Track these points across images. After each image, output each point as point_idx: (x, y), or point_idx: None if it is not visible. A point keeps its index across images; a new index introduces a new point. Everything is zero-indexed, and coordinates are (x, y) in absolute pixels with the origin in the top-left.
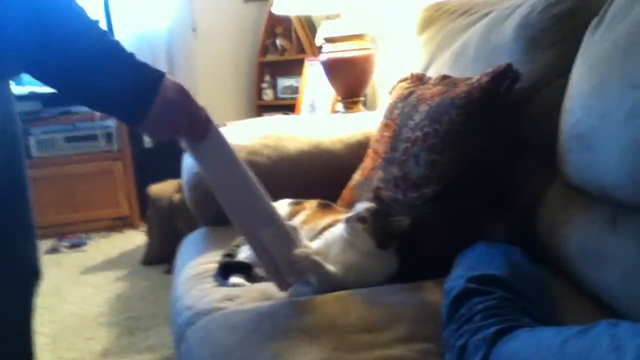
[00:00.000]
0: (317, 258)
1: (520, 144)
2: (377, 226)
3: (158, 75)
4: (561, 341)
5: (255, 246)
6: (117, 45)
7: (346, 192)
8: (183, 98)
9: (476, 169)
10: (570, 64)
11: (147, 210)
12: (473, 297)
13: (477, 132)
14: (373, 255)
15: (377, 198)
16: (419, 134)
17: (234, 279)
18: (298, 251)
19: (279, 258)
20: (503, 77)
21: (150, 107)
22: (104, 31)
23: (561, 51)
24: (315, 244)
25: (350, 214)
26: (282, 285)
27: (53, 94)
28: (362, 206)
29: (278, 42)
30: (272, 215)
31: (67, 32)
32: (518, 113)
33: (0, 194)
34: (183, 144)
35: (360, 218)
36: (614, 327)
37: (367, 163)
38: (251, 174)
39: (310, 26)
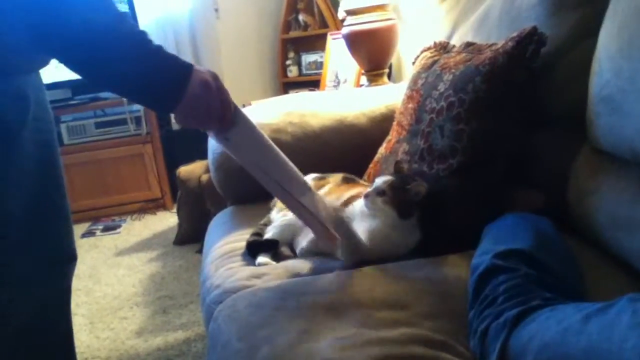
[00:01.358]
0: (351, 225)
1: (547, 111)
2: (397, 197)
3: (186, 69)
4: (581, 319)
5: (300, 213)
6: (145, 39)
7: (372, 167)
8: (210, 91)
9: (503, 138)
10: (598, 25)
11: (177, 192)
12: (498, 275)
13: (503, 100)
14: (396, 226)
15: (397, 171)
16: (443, 103)
17: (261, 259)
18: (336, 215)
19: (324, 216)
20: (528, 41)
21: (179, 102)
22: (132, 24)
23: (588, 12)
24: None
25: (369, 189)
26: (331, 241)
27: (82, 81)
28: (380, 180)
29: (300, 17)
30: (306, 183)
31: (95, 26)
32: (544, 78)
33: (36, 181)
34: (211, 134)
35: (379, 192)
36: (635, 302)
37: (392, 136)
38: (282, 155)
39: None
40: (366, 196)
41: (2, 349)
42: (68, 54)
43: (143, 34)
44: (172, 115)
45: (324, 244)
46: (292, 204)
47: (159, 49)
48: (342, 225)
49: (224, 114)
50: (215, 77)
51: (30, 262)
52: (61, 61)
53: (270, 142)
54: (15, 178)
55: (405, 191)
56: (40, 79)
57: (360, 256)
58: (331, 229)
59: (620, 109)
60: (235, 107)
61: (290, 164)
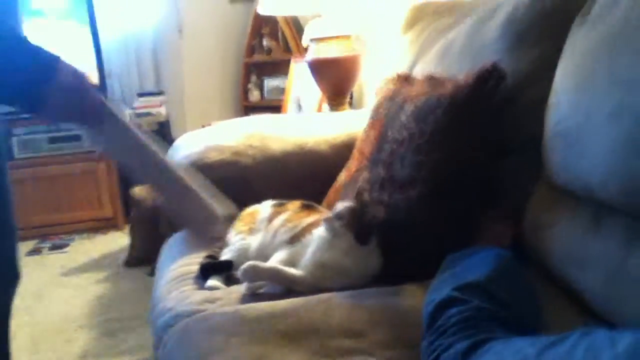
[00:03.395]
0: (277, 266)
1: (506, 144)
2: (355, 221)
3: (53, 59)
4: (536, 353)
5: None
6: (9, 31)
7: (331, 193)
8: (79, 81)
9: (462, 170)
10: (556, 61)
11: (130, 212)
12: (451, 307)
13: (463, 133)
14: (354, 252)
15: (357, 197)
16: (405, 134)
17: (211, 282)
18: (249, 265)
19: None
20: (488, 76)
21: (46, 92)
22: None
23: (547, 48)
24: (280, 254)
25: (329, 214)
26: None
27: None
28: (340, 205)
29: (265, 42)
30: (187, 185)
31: None
32: (504, 112)
33: None
34: (82, 130)
35: (339, 216)
36: (588, 336)
37: (353, 164)
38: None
39: (297, 26)
40: (326, 220)
41: None
42: None
43: (7, 27)
44: (42, 114)
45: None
46: (162, 192)
47: (25, 39)
48: (270, 274)
49: (87, 112)
50: (77, 76)
51: None
52: None
53: (143, 138)
54: None
55: (363, 215)
56: None
57: (302, 287)
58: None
59: (575, 144)
60: (104, 104)
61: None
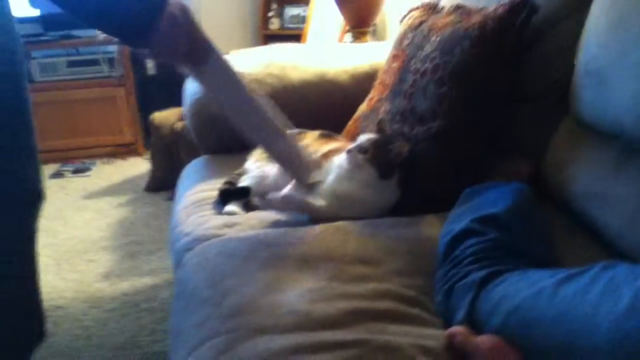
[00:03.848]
0: (299, 197)
1: (532, 81)
2: (379, 156)
3: (159, 1)
4: (554, 283)
5: (272, 154)
6: None
7: (351, 124)
8: (187, 19)
9: (486, 105)
10: None
11: (150, 138)
12: (469, 238)
13: (490, 66)
14: (374, 186)
15: (380, 130)
16: (428, 65)
17: (229, 207)
18: (275, 195)
19: (295, 160)
20: (520, 8)
21: (154, 26)
22: None
23: None
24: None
25: (352, 145)
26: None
27: (55, 16)
28: (364, 137)
29: None
30: (280, 128)
31: None
32: (532, 48)
33: (1, 115)
34: (184, 68)
35: (361, 149)
36: (610, 269)
37: (374, 94)
38: (257, 96)
39: None
40: (348, 151)
41: None
42: None
43: None
44: (147, 48)
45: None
46: (265, 145)
47: None
48: (294, 204)
49: (194, 49)
50: (186, 11)
51: None
52: None
53: (244, 83)
54: None
55: (388, 151)
56: (7, 6)
57: (324, 217)
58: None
59: (605, 82)
60: (209, 44)
61: (266, 107)
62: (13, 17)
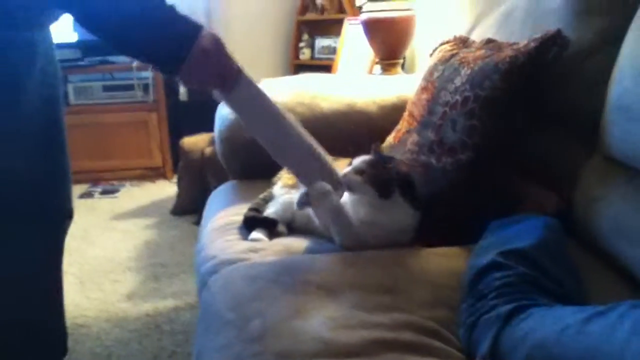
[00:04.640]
0: (345, 213)
1: (562, 114)
2: (375, 175)
3: (196, 27)
4: (581, 319)
5: (302, 178)
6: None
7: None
8: (218, 49)
9: (515, 138)
10: (621, 33)
11: (178, 162)
12: (495, 271)
13: (520, 100)
14: (379, 206)
15: (375, 152)
16: (458, 98)
17: (255, 234)
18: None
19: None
20: (551, 43)
21: (186, 57)
22: None
23: (613, 19)
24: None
25: (347, 169)
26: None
27: (93, 42)
28: (358, 160)
29: (318, 0)
30: (315, 152)
31: None
32: (563, 82)
33: (39, 136)
34: (215, 93)
35: (357, 171)
36: (637, 309)
37: (402, 126)
38: (290, 119)
39: None
40: (345, 176)
41: None
42: (85, 11)
43: None
44: (178, 76)
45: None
46: (295, 169)
47: (172, 7)
48: (332, 209)
49: (223, 76)
50: (218, 42)
51: (26, 217)
52: (74, 17)
53: (276, 108)
54: (18, 132)
55: (385, 169)
56: (50, 34)
57: (355, 240)
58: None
59: (637, 118)
60: (239, 67)
61: (298, 130)
62: (54, 44)
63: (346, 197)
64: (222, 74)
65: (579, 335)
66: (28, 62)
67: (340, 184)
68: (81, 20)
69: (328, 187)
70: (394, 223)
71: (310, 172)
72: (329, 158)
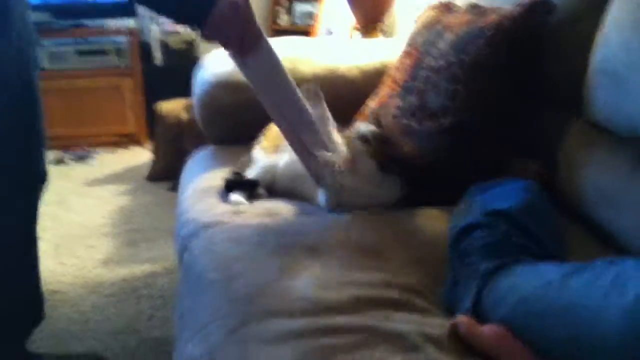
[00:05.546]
0: (337, 168)
1: (546, 81)
2: (380, 150)
3: None
4: (563, 275)
5: (298, 149)
6: None
7: (358, 118)
8: (243, 9)
9: (498, 104)
10: None
11: (154, 128)
12: (477, 231)
13: (504, 65)
14: (376, 179)
15: (377, 123)
16: (442, 62)
17: (234, 197)
18: (322, 155)
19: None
20: (537, 8)
21: (213, 9)
22: None
23: None
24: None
25: (349, 132)
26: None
27: (65, 5)
28: (364, 127)
29: None
30: (314, 124)
31: None
32: (547, 48)
33: (13, 99)
34: (230, 54)
35: (362, 137)
36: (618, 264)
37: (384, 90)
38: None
39: None
40: (346, 137)
41: None
42: None
43: None
44: (203, 29)
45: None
46: (291, 138)
47: None
48: (328, 171)
49: (246, 36)
50: (244, 1)
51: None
52: None
53: (288, 77)
54: None
55: (391, 147)
56: None
57: (340, 202)
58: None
59: (623, 83)
60: (260, 34)
61: (303, 103)
62: (29, 7)
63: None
64: (242, 35)
65: (561, 291)
66: (3, 26)
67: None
68: None
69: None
70: (383, 196)
71: (310, 144)
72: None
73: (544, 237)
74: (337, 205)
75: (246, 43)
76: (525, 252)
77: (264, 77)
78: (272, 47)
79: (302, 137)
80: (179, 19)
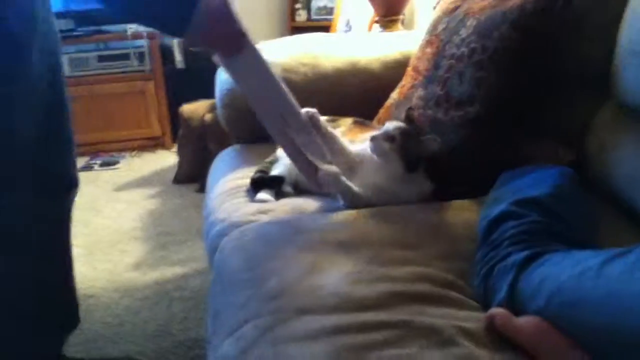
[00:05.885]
0: (343, 178)
1: (572, 64)
2: (406, 147)
3: None
4: (599, 263)
5: (289, 149)
6: None
7: (383, 111)
8: (225, 9)
9: (526, 89)
10: None
11: (178, 131)
12: (508, 220)
13: (530, 50)
14: (401, 178)
15: (408, 118)
16: (464, 50)
17: (261, 195)
18: (325, 169)
19: (310, 159)
20: None
21: (192, 16)
22: None
23: None
24: (354, 148)
25: (377, 132)
26: (313, 183)
27: (86, 12)
28: (391, 125)
29: None
30: (306, 125)
31: None
32: (572, 31)
33: (44, 103)
34: (216, 57)
35: (388, 137)
36: None
37: (406, 81)
38: (286, 89)
39: None
40: (373, 139)
41: (3, 272)
42: None
43: None
44: (184, 36)
45: (312, 184)
46: (282, 139)
47: None
48: (335, 183)
49: (230, 39)
50: (226, 2)
51: (33, 183)
52: None
53: (276, 76)
54: (24, 99)
55: (417, 143)
56: (50, 5)
57: (361, 205)
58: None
59: None
60: (245, 35)
61: (294, 103)
62: (52, 12)
63: (366, 156)
64: (229, 36)
65: (598, 279)
66: (29, 29)
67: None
68: None
69: (335, 169)
70: (409, 195)
71: (303, 146)
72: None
73: (577, 224)
74: (357, 205)
75: (232, 40)
76: (559, 240)
77: (251, 77)
78: (258, 46)
79: (294, 138)
80: (164, 28)
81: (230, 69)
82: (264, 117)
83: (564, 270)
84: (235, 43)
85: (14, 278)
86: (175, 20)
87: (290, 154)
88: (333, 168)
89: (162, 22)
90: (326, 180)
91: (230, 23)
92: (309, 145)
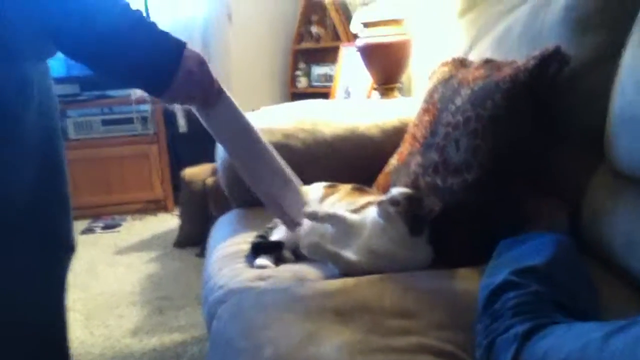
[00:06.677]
0: (330, 247)
1: (566, 129)
2: (410, 211)
3: (179, 46)
4: (603, 335)
5: (267, 200)
6: (140, 18)
7: (381, 178)
8: (202, 68)
9: (519, 155)
10: (621, 45)
11: (180, 194)
12: (509, 290)
13: (522, 117)
14: (405, 243)
15: (414, 184)
16: (460, 118)
17: (260, 261)
18: (308, 241)
19: (289, 207)
20: (551, 60)
21: (172, 79)
22: (127, 3)
23: (612, 32)
24: (353, 217)
25: (383, 197)
26: (291, 226)
27: (91, 77)
28: (396, 190)
29: (313, 29)
30: (285, 176)
31: (91, 5)
32: (564, 97)
33: (39, 168)
34: (194, 109)
35: (393, 201)
36: None
37: (404, 148)
38: (265, 141)
39: (345, 12)
40: (379, 204)
41: None
42: (77, 48)
43: (138, 12)
44: (163, 96)
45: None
46: (260, 190)
47: (154, 25)
48: (324, 254)
49: (205, 95)
50: (201, 63)
51: (28, 248)
52: (59, 46)
53: (253, 128)
54: (18, 163)
55: (420, 207)
56: (47, 67)
57: (356, 272)
58: (295, 216)
59: None
60: (219, 88)
61: (272, 154)
62: (51, 78)
63: (367, 221)
64: (205, 93)
65: (602, 352)
66: (24, 98)
67: (301, 218)
68: (66, 50)
69: (316, 239)
70: (410, 262)
71: (281, 199)
72: (300, 187)
73: (577, 292)
74: (351, 272)
75: (210, 95)
76: (560, 310)
77: (228, 127)
78: (232, 100)
79: (271, 187)
80: (146, 88)
81: (208, 121)
82: (241, 169)
83: (567, 343)
84: (211, 99)
85: (6, 345)
86: (157, 83)
87: (266, 202)
88: (313, 238)
89: (144, 84)
90: (309, 252)
91: (206, 82)
92: (285, 196)
